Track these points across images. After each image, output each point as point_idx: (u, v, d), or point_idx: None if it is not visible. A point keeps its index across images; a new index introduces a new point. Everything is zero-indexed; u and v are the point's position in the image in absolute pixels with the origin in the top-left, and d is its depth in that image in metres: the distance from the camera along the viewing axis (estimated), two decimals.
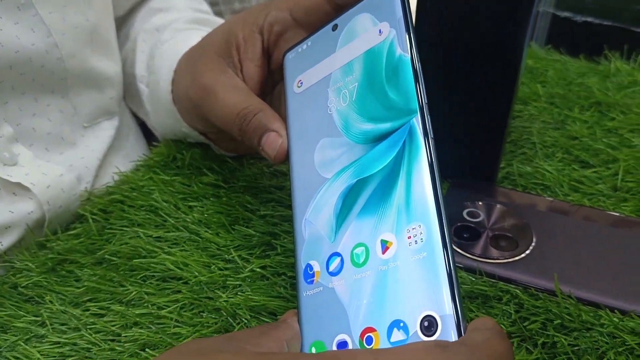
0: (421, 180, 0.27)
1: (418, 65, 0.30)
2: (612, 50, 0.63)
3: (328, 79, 0.34)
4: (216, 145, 0.47)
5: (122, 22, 0.57)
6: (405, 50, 0.30)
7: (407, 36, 0.31)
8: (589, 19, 0.75)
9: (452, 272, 0.25)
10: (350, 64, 0.33)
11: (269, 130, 0.36)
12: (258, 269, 0.38)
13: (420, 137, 0.28)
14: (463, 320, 0.24)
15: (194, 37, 0.47)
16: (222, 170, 0.47)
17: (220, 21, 0.55)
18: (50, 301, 0.37)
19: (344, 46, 0.34)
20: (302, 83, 0.36)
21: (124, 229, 0.42)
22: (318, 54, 0.35)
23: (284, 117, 0.37)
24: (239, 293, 0.37)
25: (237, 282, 0.37)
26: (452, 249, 0.25)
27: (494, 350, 0.22)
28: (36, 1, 0.41)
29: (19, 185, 0.41)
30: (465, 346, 0.22)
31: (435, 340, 0.23)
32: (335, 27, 0.35)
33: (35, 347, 0.34)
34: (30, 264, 0.40)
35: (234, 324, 0.35)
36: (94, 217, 0.43)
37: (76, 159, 0.45)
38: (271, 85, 0.43)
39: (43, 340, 0.35)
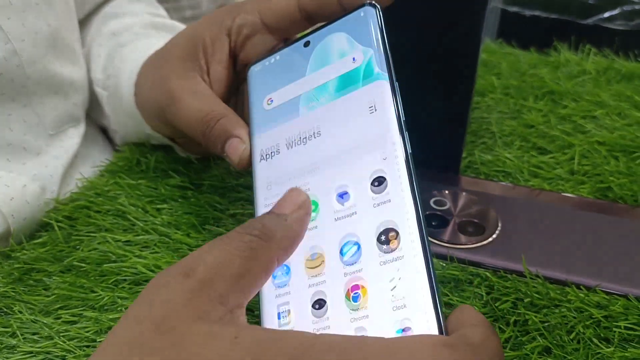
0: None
1: (396, 85, 0.31)
2: (560, 42, 0.65)
3: (299, 99, 0.34)
4: (183, 148, 0.47)
5: (80, 26, 0.56)
6: (383, 70, 0.31)
7: (384, 56, 0.31)
8: (537, 13, 0.78)
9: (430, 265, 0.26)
10: (324, 85, 0.33)
11: (232, 136, 0.36)
12: None
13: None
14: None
15: (154, 40, 0.47)
16: (188, 172, 0.47)
17: (178, 25, 0.55)
18: (20, 311, 0.36)
19: (318, 66, 0.34)
20: (272, 101, 0.35)
21: (91, 234, 0.41)
22: (289, 71, 0.35)
23: (247, 120, 0.37)
24: None
25: None
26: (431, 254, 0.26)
27: (494, 347, 0.23)
28: None
29: None
30: (472, 346, 0.22)
31: (442, 338, 0.23)
32: (307, 44, 0.35)
33: (6, 357, 0.33)
34: None
35: None
36: (59, 224, 0.42)
37: (40, 168, 0.44)
38: (236, 87, 0.43)
39: (15, 351, 0.34)
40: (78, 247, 0.41)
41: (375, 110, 0.31)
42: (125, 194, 0.44)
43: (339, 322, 0.27)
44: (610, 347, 0.33)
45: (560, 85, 0.58)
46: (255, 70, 0.37)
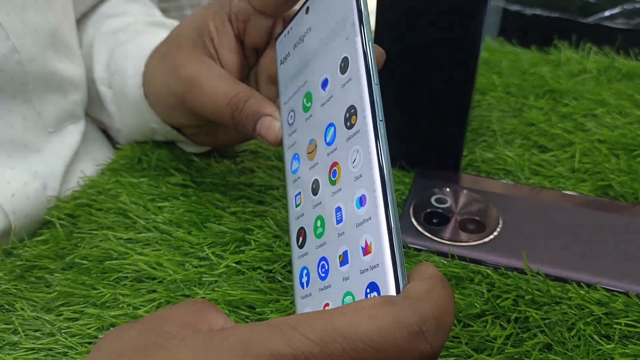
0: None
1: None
2: (561, 41, 0.65)
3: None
4: (190, 141, 0.47)
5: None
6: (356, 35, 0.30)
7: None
8: (538, 12, 0.78)
9: (393, 225, 0.26)
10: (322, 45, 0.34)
11: (263, 114, 0.37)
12: (233, 264, 0.38)
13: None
14: (402, 266, 0.25)
15: (157, 36, 0.47)
16: (189, 170, 0.47)
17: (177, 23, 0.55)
18: (22, 308, 0.36)
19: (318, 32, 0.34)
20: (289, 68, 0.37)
21: (93, 232, 0.41)
22: (297, 37, 0.36)
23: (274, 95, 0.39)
24: (215, 289, 0.37)
25: (213, 279, 0.37)
26: (395, 208, 0.26)
27: (438, 298, 0.22)
28: None
29: None
30: (411, 299, 0.22)
31: (382, 297, 0.23)
32: (307, 10, 0.35)
33: (8, 354, 0.34)
34: None
35: None
36: (61, 222, 0.42)
37: (41, 166, 0.44)
38: (247, 71, 0.44)
39: (17, 348, 0.34)
40: (80, 244, 0.41)
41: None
42: (126, 192, 0.44)
43: (326, 200, 0.30)
44: (611, 344, 0.33)
45: (561, 84, 0.58)
46: (279, 43, 0.38)
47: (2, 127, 0.43)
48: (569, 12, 0.77)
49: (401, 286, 0.24)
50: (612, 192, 0.45)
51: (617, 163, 0.47)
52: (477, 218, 0.41)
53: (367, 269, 0.26)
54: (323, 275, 0.29)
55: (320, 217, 0.30)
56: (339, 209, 0.29)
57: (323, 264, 0.29)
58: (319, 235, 0.30)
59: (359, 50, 0.29)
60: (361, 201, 0.27)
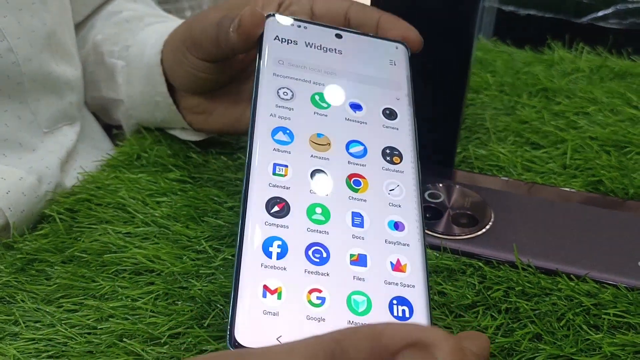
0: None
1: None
2: (554, 41, 0.66)
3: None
4: (185, 112, 0.47)
5: (79, 28, 0.57)
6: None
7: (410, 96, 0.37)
8: (532, 12, 0.79)
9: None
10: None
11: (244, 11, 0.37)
12: (230, 257, 0.39)
13: None
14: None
15: (178, 23, 0.48)
16: (187, 166, 0.47)
17: None
18: (22, 300, 0.37)
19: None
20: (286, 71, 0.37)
21: (92, 226, 0.42)
22: (317, 43, 0.37)
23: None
24: (212, 281, 0.37)
25: (210, 271, 0.38)
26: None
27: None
28: None
29: None
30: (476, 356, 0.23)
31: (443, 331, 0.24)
32: (339, 36, 0.38)
33: (10, 344, 0.34)
34: (0, 266, 0.40)
35: (210, 311, 0.35)
36: (60, 216, 0.43)
37: (36, 162, 0.45)
38: None
39: (17, 338, 0.35)
40: (79, 238, 0.41)
41: (395, 65, 0.38)
42: (125, 187, 0.45)
43: (337, 197, 0.31)
44: (599, 334, 0.34)
45: (554, 83, 0.59)
46: (278, 21, 0.38)
47: None
48: (563, 13, 0.78)
49: (431, 314, 0.29)
50: (602, 188, 0.45)
51: (608, 159, 0.48)
52: (469, 212, 0.42)
53: (397, 284, 0.29)
54: (317, 260, 0.29)
55: (321, 206, 0.31)
56: (358, 215, 0.31)
57: (318, 250, 0.29)
58: (316, 221, 0.30)
59: (411, 117, 0.36)
60: (397, 226, 0.31)
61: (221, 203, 0.44)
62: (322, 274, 0.29)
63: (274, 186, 0.31)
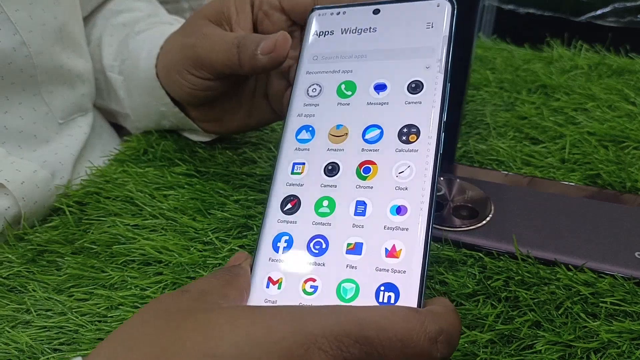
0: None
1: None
2: (553, 39, 0.67)
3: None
4: (197, 125, 0.48)
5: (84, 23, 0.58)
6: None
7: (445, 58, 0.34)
8: (531, 11, 0.80)
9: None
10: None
11: (265, 39, 0.38)
12: (236, 248, 0.40)
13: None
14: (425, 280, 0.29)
15: (171, 28, 0.49)
16: (193, 160, 0.48)
17: None
18: (34, 289, 0.38)
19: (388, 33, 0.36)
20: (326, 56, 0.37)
21: (101, 219, 0.43)
22: (353, 26, 0.37)
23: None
24: None
25: (217, 262, 0.39)
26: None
27: (451, 320, 0.26)
28: (2, 0, 0.42)
29: None
30: (432, 314, 0.26)
31: (411, 308, 0.27)
32: (377, 11, 0.37)
33: (22, 332, 0.35)
34: (11, 256, 0.40)
35: None
36: (70, 209, 0.44)
37: (50, 156, 0.46)
38: None
39: (29, 326, 0.36)
40: (88, 230, 0.42)
41: (432, 27, 0.35)
42: (133, 181, 0.46)
43: (345, 187, 0.32)
44: (597, 322, 0.35)
45: (553, 80, 0.60)
46: (318, 15, 0.38)
47: (12, 118, 0.44)
48: (562, 11, 0.79)
49: (423, 296, 0.28)
50: (600, 182, 0.46)
51: (606, 154, 0.49)
52: (470, 205, 0.43)
53: (388, 270, 0.29)
54: (316, 251, 0.30)
55: (329, 199, 0.31)
56: (362, 203, 0.31)
57: (319, 242, 0.30)
58: (322, 214, 0.31)
59: (440, 85, 0.33)
60: (399, 210, 0.30)
61: (227, 196, 0.45)
62: (319, 265, 0.30)
63: (290, 185, 0.33)
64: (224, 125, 0.48)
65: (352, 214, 0.31)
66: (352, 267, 0.29)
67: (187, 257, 0.39)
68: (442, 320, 0.26)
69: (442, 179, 0.46)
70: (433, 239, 0.41)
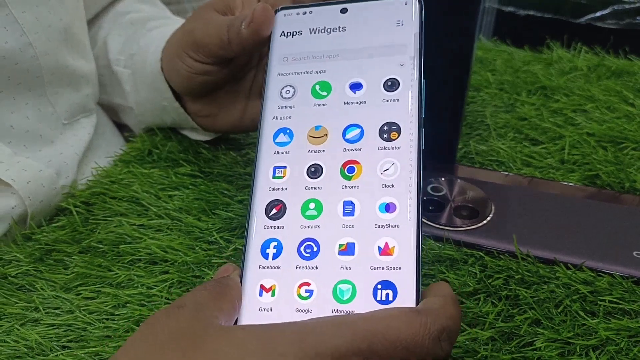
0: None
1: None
2: (553, 40, 0.68)
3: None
4: (192, 116, 0.49)
5: (88, 26, 0.59)
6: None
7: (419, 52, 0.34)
8: (531, 13, 0.81)
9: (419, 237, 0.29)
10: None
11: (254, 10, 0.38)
12: (240, 247, 0.40)
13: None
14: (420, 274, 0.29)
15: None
16: (198, 161, 0.49)
17: None
18: (42, 288, 0.39)
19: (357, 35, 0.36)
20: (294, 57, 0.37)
21: (108, 219, 0.44)
22: (321, 26, 0.37)
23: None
24: None
25: (222, 261, 0.40)
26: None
27: (451, 313, 0.27)
28: (9, 1, 0.42)
29: None
30: (432, 311, 0.26)
31: (410, 308, 0.27)
32: (344, 10, 0.36)
33: (31, 329, 0.36)
34: (19, 255, 0.41)
35: None
36: (77, 209, 0.45)
37: (55, 155, 0.47)
38: (259, 53, 0.46)
39: (38, 324, 0.36)
40: (95, 230, 0.43)
41: (402, 25, 0.35)
42: (138, 181, 0.47)
43: (330, 188, 0.31)
44: (595, 319, 0.35)
45: (553, 81, 0.61)
46: (284, 15, 0.38)
47: (18, 119, 0.45)
48: (561, 13, 0.80)
49: (420, 291, 0.28)
50: (599, 182, 0.47)
51: (605, 155, 0.49)
52: (470, 205, 0.44)
53: (384, 267, 0.29)
54: (307, 255, 0.30)
55: (315, 201, 0.31)
56: (350, 203, 0.31)
57: (309, 245, 0.30)
58: (309, 217, 0.31)
59: (415, 82, 0.33)
60: (388, 208, 0.30)
61: (231, 196, 0.45)
62: (312, 268, 0.30)
63: (273, 189, 0.32)
64: (218, 122, 0.48)
65: (341, 215, 0.31)
66: (347, 268, 0.29)
67: (192, 256, 0.40)
68: (442, 317, 0.26)
69: (443, 179, 0.46)
70: (434, 238, 0.41)
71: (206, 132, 0.50)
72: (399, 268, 0.29)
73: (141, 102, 0.51)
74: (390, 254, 0.29)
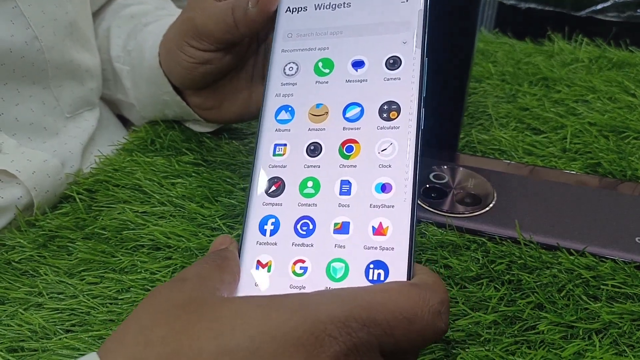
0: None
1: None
2: (554, 33, 0.68)
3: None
4: (198, 115, 0.49)
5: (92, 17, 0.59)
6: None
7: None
8: (532, 5, 0.81)
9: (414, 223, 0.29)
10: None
11: None
12: None
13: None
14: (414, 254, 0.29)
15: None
16: (200, 150, 0.49)
17: None
18: (45, 273, 0.39)
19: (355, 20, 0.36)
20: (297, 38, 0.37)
21: (111, 206, 0.44)
22: (326, 2, 0.36)
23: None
24: None
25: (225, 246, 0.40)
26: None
27: (442, 288, 0.27)
28: None
29: (5, 172, 0.43)
30: (429, 285, 0.27)
31: (408, 282, 0.28)
32: None
33: (34, 313, 0.36)
34: (22, 241, 0.41)
35: None
36: (80, 196, 0.45)
37: (59, 146, 0.47)
38: (256, 45, 0.46)
39: (42, 308, 0.36)
40: (98, 216, 0.43)
41: (407, 1, 0.34)
42: (141, 169, 0.47)
43: (328, 167, 0.31)
44: (598, 303, 0.35)
45: (554, 72, 0.61)
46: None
47: (23, 111, 0.45)
48: (562, 6, 0.80)
49: (412, 272, 0.28)
50: (601, 170, 0.47)
51: (607, 143, 0.49)
52: (473, 192, 0.44)
53: (377, 247, 0.29)
54: (303, 233, 0.30)
55: (313, 179, 0.31)
56: (347, 182, 0.31)
57: (306, 223, 0.30)
58: (307, 195, 0.31)
59: (417, 60, 0.32)
60: (384, 188, 0.30)
61: (234, 184, 0.45)
62: (307, 245, 0.30)
63: (273, 167, 0.32)
64: (223, 113, 0.48)
65: (338, 194, 0.31)
66: (341, 247, 0.29)
67: (195, 242, 0.40)
68: (439, 291, 0.27)
69: (445, 167, 0.46)
70: (437, 225, 0.42)
71: (210, 124, 0.50)
72: (392, 248, 0.29)
73: (141, 98, 0.51)
74: (384, 234, 0.29)
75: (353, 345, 0.24)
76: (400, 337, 0.25)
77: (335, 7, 0.36)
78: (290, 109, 0.34)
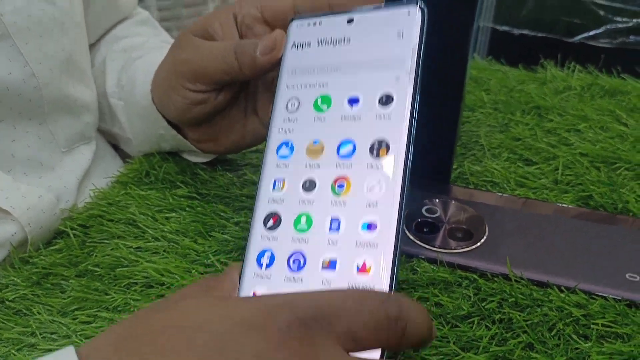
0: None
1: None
2: (547, 59, 0.69)
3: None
4: (195, 146, 0.49)
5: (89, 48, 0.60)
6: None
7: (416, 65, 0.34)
8: (525, 32, 0.82)
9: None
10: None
11: (264, 38, 0.39)
12: None
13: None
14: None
15: (164, 50, 0.50)
16: (194, 183, 0.49)
17: None
18: (38, 312, 0.39)
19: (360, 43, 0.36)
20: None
21: (105, 241, 0.44)
22: (328, 37, 0.37)
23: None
24: None
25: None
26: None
27: (417, 308, 0.27)
28: (13, 32, 0.43)
29: None
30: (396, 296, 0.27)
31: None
32: (350, 21, 0.36)
33: (27, 355, 0.36)
34: (16, 279, 0.41)
35: None
36: (74, 232, 0.45)
37: (55, 181, 0.47)
38: None
39: (35, 349, 0.37)
40: (92, 253, 0.43)
41: (402, 37, 0.34)
42: (135, 203, 0.47)
43: (321, 203, 0.32)
44: (588, 343, 0.36)
45: (547, 101, 0.61)
46: (296, 26, 0.38)
47: (19, 147, 0.46)
48: (555, 32, 0.80)
49: None
50: (592, 203, 0.47)
51: (598, 175, 0.50)
52: (465, 227, 0.44)
53: (359, 286, 0.29)
54: (294, 268, 0.31)
55: (306, 215, 0.32)
56: (336, 220, 0.31)
57: (297, 259, 0.31)
58: (300, 230, 0.32)
59: (409, 97, 0.33)
60: (370, 227, 0.31)
61: (228, 218, 0.46)
62: (297, 280, 0.31)
63: (272, 201, 0.33)
64: (220, 145, 0.48)
65: (327, 231, 0.31)
66: (327, 283, 0.30)
67: (188, 279, 0.40)
68: (406, 306, 0.26)
69: (437, 201, 0.47)
70: (429, 260, 0.42)
71: (206, 154, 0.50)
72: (373, 287, 0.29)
73: (137, 133, 0.51)
74: (367, 273, 0.30)
75: (302, 317, 0.25)
76: (351, 315, 0.25)
77: (335, 43, 0.36)
78: (290, 144, 0.35)
